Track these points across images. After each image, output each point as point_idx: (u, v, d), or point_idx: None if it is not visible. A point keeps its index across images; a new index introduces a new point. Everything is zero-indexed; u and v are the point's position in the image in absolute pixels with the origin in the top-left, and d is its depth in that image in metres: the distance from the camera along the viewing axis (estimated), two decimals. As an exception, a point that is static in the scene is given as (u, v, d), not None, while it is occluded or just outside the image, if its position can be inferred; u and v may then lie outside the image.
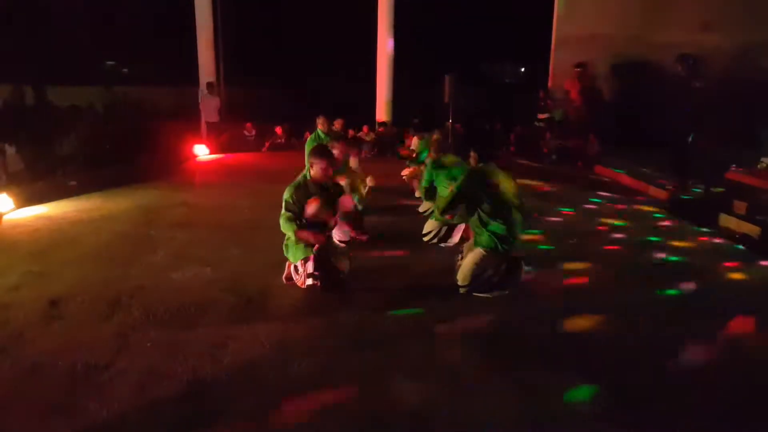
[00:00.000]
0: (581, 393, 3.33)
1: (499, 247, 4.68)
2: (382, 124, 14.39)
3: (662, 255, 6.01)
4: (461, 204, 4.97)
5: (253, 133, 14.49)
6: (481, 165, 5.11)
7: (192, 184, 9.95)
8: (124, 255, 5.68)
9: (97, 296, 4.60)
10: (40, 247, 5.93)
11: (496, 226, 4.70)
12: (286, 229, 4.68)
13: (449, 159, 6.45)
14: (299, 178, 4.88)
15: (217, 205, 8.02)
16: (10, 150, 9.55)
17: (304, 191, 4.74)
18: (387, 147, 13.49)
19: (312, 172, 4.80)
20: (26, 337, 3.90)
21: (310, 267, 4.69)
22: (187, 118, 14.12)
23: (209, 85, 13.91)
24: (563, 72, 13.36)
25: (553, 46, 14.33)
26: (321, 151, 4.88)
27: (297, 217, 4.67)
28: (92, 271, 5.20)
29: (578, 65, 12.33)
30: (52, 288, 4.77)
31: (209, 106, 13.71)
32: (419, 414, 3.11)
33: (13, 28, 15.23)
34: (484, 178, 4.84)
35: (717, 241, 6.60)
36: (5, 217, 7.09)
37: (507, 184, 4.81)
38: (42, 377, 3.41)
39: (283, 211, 4.68)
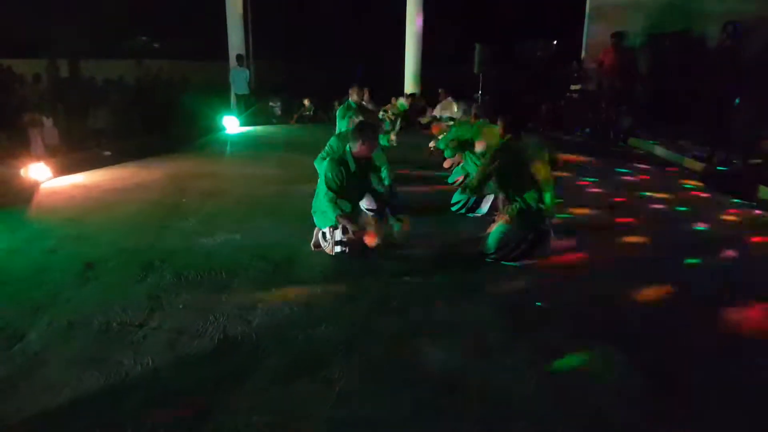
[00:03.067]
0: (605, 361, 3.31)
1: (527, 217, 4.64)
2: (411, 95, 14.27)
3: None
4: (492, 179, 4.93)
5: (278, 105, 14.52)
6: (510, 139, 4.94)
7: (222, 155, 10.05)
8: (156, 221, 5.79)
9: (130, 259, 4.72)
10: (76, 213, 6.08)
11: (527, 196, 4.66)
12: (328, 209, 4.62)
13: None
14: (339, 153, 4.90)
15: (246, 175, 8.10)
16: (47, 122, 9.76)
17: (345, 167, 4.71)
18: (415, 118, 13.41)
19: (355, 149, 4.74)
20: (63, 297, 4.03)
21: (338, 234, 4.73)
22: (217, 91, 14.20)
23: (239, 57, 13.93)
24: (597, 43, 13.02)
25: (586, 17, 13.95)
26: (365, 132, 4.77)
27: (339, 195, 4.65)
28: (125, 236, 5.32)
29: (613, 35, 11.99)
30: (87, 251, 4.90)
31: (239, 79, 13.75)
32: (446, 376, 3.12)
33: (47, 4, 15.45)
34: (511, 155, 4.79)
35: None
36: (43, 186, 7.28)
37: (541, 166, 4.77)
38: (78, 334, 3.52)
39: (326, 190, 4.64)
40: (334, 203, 4.62)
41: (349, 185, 4.73)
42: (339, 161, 4.74)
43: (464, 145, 6.54)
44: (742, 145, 8.11)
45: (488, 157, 4.96)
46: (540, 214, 4.70)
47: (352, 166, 4.75)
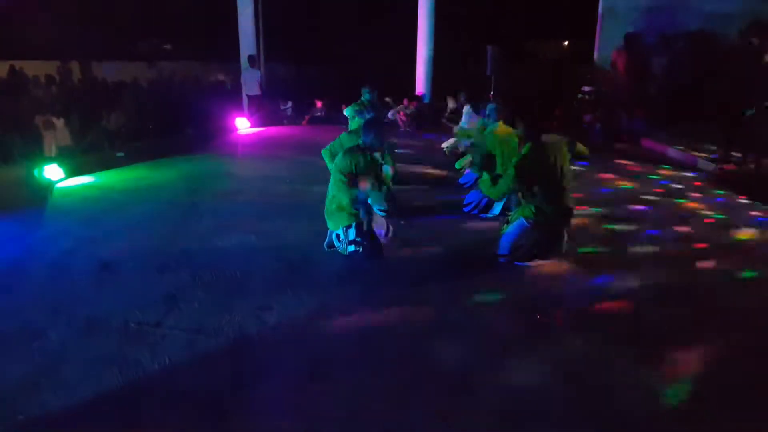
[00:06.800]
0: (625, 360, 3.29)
1: (542, 220, 4.63)
2: (416, 97, 14.27)
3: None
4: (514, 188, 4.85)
5: (288, 106, 14.56)
6: (530, 147, 4.73)
7: (234, 156, 10.09)
8: (171, 222, 5.82)
9: (146, 260, 4.74)
10: (91, 214, 6.12)
11: (541, 201, 4.63)
12: (342, 195, 4.70)
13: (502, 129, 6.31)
14: (353, 146, 4.96)
15: (259, 176, 8.12)
16: (59, 123, 9.84)
17: (360, 155, 4.78)
18: (424, 121, 13.40)
19: (364, 138, 4.86)
20: (81, 297, 4.06)
21: (352, 234, 4.73)
22: (228, 92, 14.25)
23: (250, 58, 13.95)
24: (609, 44, 12.96)
25: (599, 18, 13.89)
26: (373, 126, 4.94)
27: (351, 181, 4.73)
28: (140, 237, 5.35)
29: (626, 37, 11.94)
30: (104, 252, 4.92)
31: (250, 80, 13.77)
32: (460, 376, 3.13)
33: (60, 7, 15.58)
34: (534, 162, 4.64)
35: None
36: (56, 187, 7.33)
37: (564, 160, 4.71)
38: (96, 333, 3.55)
39: (339, 178, 4.70)
40: (347, 187, 4.67)
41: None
42: (352, 153, 4.78)
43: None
44: (758, 146, 8.04)
45: (515, 164, 4.74)
46: (556, 213, 4.67)
47: (362, 160, 4.78)
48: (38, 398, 2.87)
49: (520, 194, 4.89)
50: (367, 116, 6.35)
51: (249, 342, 3.47)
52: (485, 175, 6.13)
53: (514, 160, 4.83)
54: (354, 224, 4.75)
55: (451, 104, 13.05)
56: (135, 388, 2.98)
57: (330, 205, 4.87)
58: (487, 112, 6.83)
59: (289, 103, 14.61)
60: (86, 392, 2.93)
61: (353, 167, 4.70)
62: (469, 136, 7.58)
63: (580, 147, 5.22)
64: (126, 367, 3.15)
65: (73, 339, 3.48)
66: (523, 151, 4.76)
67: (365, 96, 8.03)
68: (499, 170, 5.99)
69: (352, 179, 4.68)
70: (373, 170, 4.87)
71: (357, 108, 7.69)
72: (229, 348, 3.39)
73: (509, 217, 5.04)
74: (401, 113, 13.19)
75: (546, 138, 4.86)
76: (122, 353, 3.30)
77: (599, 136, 11.74)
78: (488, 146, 6.12)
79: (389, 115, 13.24)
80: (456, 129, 8.70)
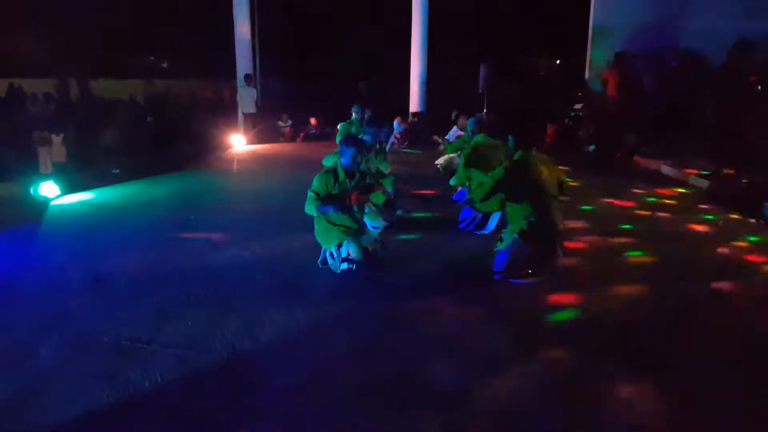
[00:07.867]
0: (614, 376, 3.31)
1: (535, 233, 4.67)
2: (416, 114, 14.37)
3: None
4: (499, 193, 4.93)
5: (288, 123, 14.67)
6: (521, 155, 4.89)
7: (229, 172, 10.12)
8: (165, 238, 5.84)
9: (139, 276, 4.75)
10: (85, 229, 6.14)
11: (531, 214, 4.68)
12: (310, 209, 4.73)
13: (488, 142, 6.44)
14: (330, 166, 4.94)
15: (253, 192, 8.15)
16: (56, 140, 9.87)
17: (333, 178, 4.77)
18: (419, 137, 13.47)
19: (342, 160, 4.83)
20: (73, 313, 4.06)
21: (345, 251, 4.74)
22: (224, 110, 14.34)
23: (247, 77, 14.06)
24: (601, 62, 13.10)
25: (590, 36, 14.04)
26: (349, 140, 4.93)
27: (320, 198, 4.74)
28: (134, 253, 5.35)
29: (617, 55, 12.07)
30: (97, 267, 4.93)
31: (246, 98, 13.87)
32: (452, 393, 3.13)
33: (58, 25, 15.69)
34: (525, 170, 4.78)
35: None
36: (52, 203, 7.34)
37: (548, 173, 4.81)
38: (88, 350, 3.55)
39: (309, 194, 4.74)
40: (316, 202, 4.67)
41: (341, 195, 4.79)
42: (328, 172, 4.81)
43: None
44: (750, 161, 8.11)
45: (498, 172, 4.91)
46: (547, 227, 4.71)
47: (342, 176, 4.79)
48: (27, 417, 2.86)
49: (509, 209, 4.93)
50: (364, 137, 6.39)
51: (241, 359, 3.46)
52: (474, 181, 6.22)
53: (499, 169, 4.94)
54: (346, 241, 4.77)
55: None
56: (126, 406, 2.98)
57: (318, 226, 4.90)
58: (469, 126, 7.04)
59: (289, 121, 14.72)
60: (77, 410, 2.92)
61: (324, 187, 4.72)
62: (456, 149, 7.61)
63: (561, 177, 5.22)
64: (117, 385, 3.14)
65: (65, 356, 3.48)
66: (515, 157, 4.90)
67: (356, 115, 8.01)
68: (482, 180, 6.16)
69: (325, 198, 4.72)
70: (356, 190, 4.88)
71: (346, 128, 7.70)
72: (220, 365, 3.39)
73: (503, 235, 5.07)
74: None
75: (535, 151, 4.95)
76: (113, 370, 3.29)
77: (592, 153, 11.83)
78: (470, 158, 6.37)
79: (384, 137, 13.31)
80: (442, 142, 8.72)
